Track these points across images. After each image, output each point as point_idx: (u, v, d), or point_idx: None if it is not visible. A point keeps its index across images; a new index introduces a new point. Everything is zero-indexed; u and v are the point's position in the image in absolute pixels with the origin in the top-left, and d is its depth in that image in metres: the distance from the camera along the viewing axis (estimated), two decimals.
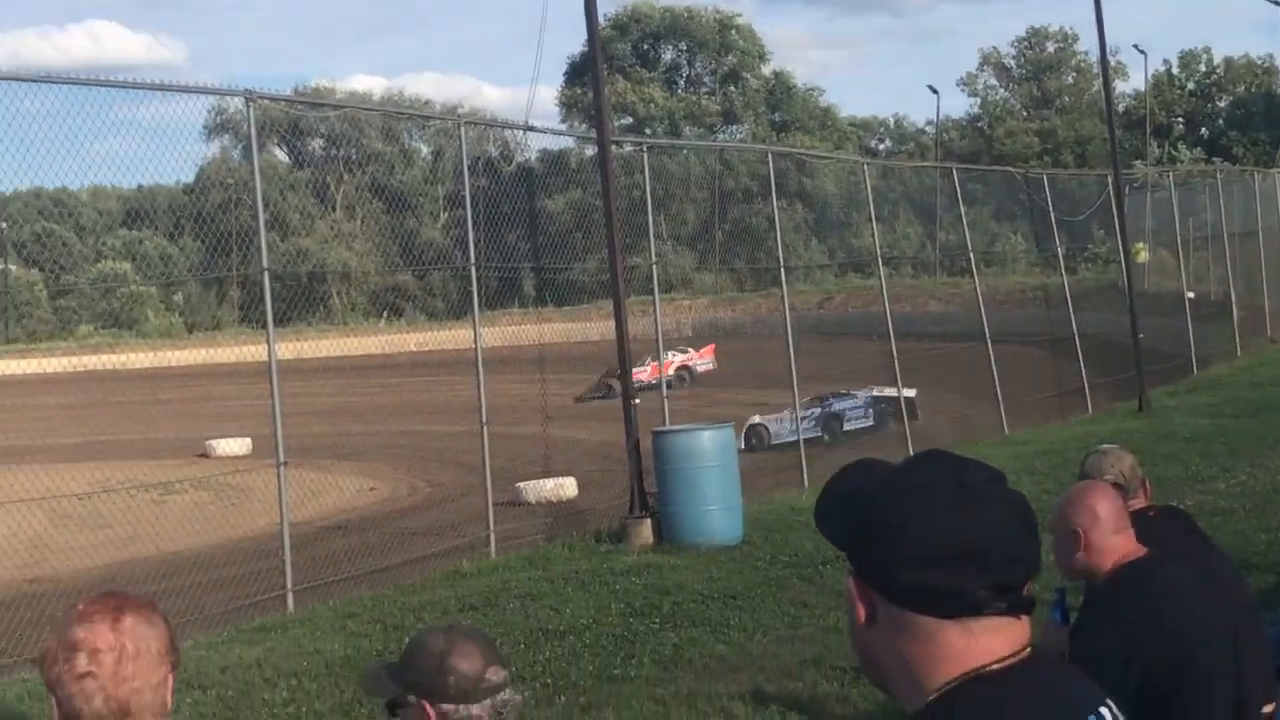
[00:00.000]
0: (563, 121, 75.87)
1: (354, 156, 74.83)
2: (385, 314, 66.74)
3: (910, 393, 26.50)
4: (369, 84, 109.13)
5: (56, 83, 12.58)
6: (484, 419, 15.45)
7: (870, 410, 29.43)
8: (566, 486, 21.03)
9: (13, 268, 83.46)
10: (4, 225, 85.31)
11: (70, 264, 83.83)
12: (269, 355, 13.28)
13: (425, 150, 78.96)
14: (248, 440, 32.24)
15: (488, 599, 11.94)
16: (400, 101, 79.33)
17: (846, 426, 29.45)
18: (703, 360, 43.09)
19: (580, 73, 71.70)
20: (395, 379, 42.01)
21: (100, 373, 54.55)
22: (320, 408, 34.34)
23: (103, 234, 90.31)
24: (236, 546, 17.88)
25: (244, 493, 22.61)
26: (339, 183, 74.54)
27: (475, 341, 15.74)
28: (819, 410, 29.80)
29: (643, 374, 44.37)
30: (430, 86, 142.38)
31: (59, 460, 32.18)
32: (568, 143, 52.84)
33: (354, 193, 75.34)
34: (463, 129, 17.34)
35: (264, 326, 13.59)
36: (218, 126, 70.48)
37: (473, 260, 15.70)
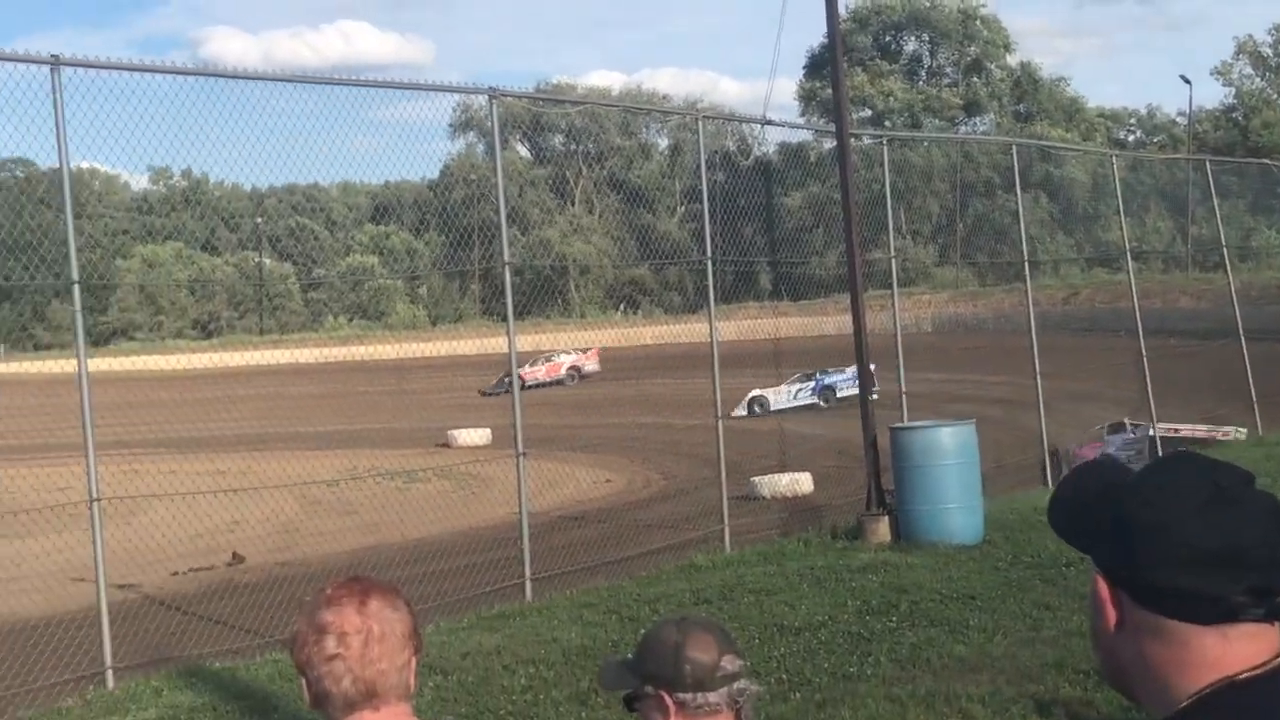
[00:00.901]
0: (801, 115, 75.62)
1: (593, 151, 75.75)
2: (622, 307, 67.38)
3: (872, 366, 35.03)
4: (608, 79, 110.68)
5: (310, 83, 12.99)
6: (719, 412, 15.47)
7: (857, 380, 35.59)
8: (802, 482, 20.94)
9: (268, 261, 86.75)
10: (260, 220, 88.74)
11: (321, 258, 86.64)
12: (509, 347, 13.50)
13: (663, 144, 79.46)
14: (487, 431, 32.93)
15: (722, 593, 11.94)
16: (639, 96, 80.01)
17: (840, 394, 35.97)
18: (589, 362, 48.03)
19: (819, 66, 71.32)
20: (631, 372, 42.39)
21: (348, 363, 56.22)
22: (558, 400, 34.88)
23: (352, 229, 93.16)
24: (477, 535, 18.26)
25: (484, 482, 23.09)
26: (578, 177, 75.52)
27: (711, 335, 15.76)
28: (814, 383, 38.01)
29: (538, 373, 50.34)
30: (668, 81, 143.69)
31: (309, 448, 33.30)
32: (806, 136, 52.49)
33: (592, 187, 76.25)
34: (700, 123, 17.38)
35: (504, 319, 13.82)
36: (462, 124, 72.14)
37: (709, 254, 15.71)
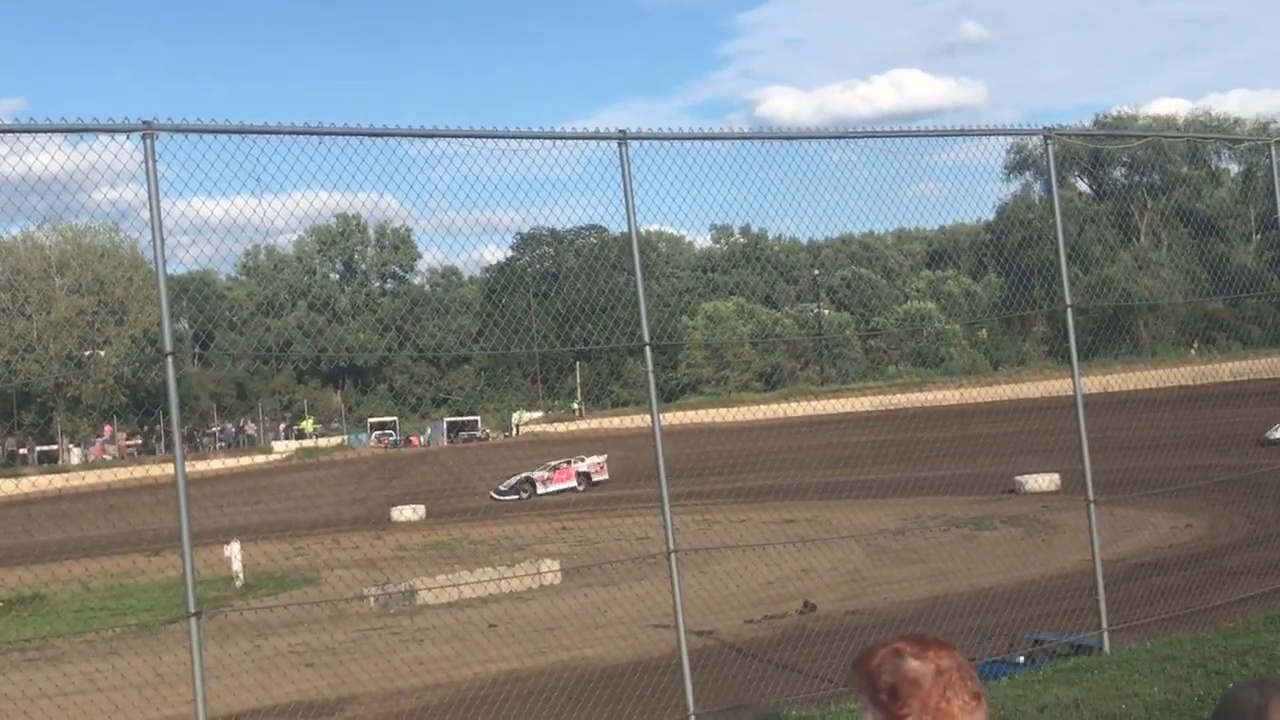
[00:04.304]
0: None
1: (1157, 182, 72.95)
2: (1195, 343, 64.35)
3: None
4: (1171, 107, 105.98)
5: (861, 137, 13.12)
6: None
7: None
8: None
9: (826, 312, 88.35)
10: (817, 272, 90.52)
11: (878, 306, 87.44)
12: (1074, 389, 13.11)
13: (1234, 170, 75.52)
14: (1055, 476, 32.18)
15: None
16: (1205, 123, 76.42)
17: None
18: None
19: None
20: (1207, 410, 40.29)
21: (908, 410, 56.33)
22: (1129, 442, 33.51)
23: (908, 276, 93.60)
24: (1047, 583, 17.81)
25: (1054, 529, 22.56)
26: (1142, 211, 72.90)
27: None
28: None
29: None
30: (1237, 104, 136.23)
31: (873, 496, 33.58)
32: None
33: (1158, 220, 73.40)
34: (1273, 147, 16.37)
35: (1068, 360, 13.46)
36: (1017, 165, 71.02)
37: None
